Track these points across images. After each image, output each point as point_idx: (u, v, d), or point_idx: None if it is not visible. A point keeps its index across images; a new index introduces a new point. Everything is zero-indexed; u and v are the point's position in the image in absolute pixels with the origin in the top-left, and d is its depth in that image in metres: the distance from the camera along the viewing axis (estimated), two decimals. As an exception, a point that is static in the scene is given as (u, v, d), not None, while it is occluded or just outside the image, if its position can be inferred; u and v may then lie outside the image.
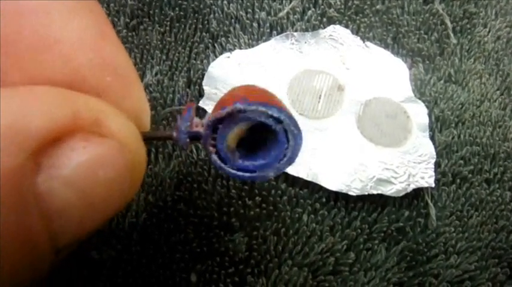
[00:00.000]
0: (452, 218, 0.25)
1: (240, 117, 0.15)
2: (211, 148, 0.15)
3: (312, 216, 0.25)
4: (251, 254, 0.23)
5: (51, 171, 0.11)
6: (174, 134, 0.16)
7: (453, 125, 0.28)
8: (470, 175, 0.27)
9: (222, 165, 0.16)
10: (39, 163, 0.11)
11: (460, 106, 0.29)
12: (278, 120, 0.15)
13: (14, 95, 0.11)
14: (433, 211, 0.25)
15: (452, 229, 0.25)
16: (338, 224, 0.25)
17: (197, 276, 0.23)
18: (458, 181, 0.26)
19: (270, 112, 0.14)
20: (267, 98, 0.15)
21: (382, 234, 0.25)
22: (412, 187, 0.25)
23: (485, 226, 0.25)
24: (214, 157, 0.16)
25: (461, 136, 0.28)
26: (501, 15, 0.33)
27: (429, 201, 0.26)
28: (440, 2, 0.33)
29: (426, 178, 0.26)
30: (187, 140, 0.16)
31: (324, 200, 0.25)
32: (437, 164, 0.27)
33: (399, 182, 0.25)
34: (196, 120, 0.16)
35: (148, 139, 0.16)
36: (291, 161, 0.16)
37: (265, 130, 0.15)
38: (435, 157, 0.27)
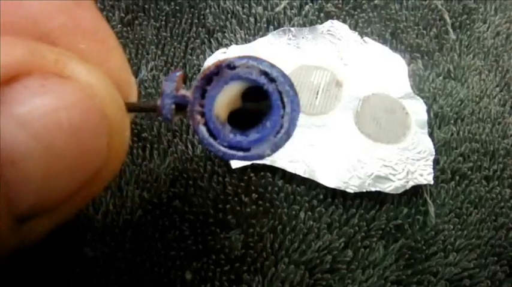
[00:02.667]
0: (451, 215, 0.25)
1: (230, 76, 0.14)
2: (198, 117, 0.14)
3: (309, 213, 0.24)
4: (247, 251, 0.23)
5: (2, 108, 0.10)
6: (158, 102, 0.14)
7: (452, 121, 0.28)
8: (469, 172, 0.26)
9: (211, 140, 0.14)
10: None
11: (459, 103, 0.29)
12: (271, 79, 0.14)
13: None
14: (431, 209, 0.25)
15: (451, 227, 0.25)
16: (335, 222, 0.24)
17: (192, 274, 0.22)
18: (457, 178, 0.26)
19: (261, 67, 0.13)
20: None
21: (381, 231, 0.24)
22: (411, 184, 0.25)
23: (484, 224, 0.25)
24: (202, 129, 0.14)
25: (461, 133, 0.28)
26: (500, 10, 0.33)
27: (428, 198, 0.25)
28: (439, -3, 0.33)
29: (425, 175, 0.25)
30: (173, 106, 0.14)
31: (321, 197, 0.25)
32: (436, 161, 0.26)
33: (398, 179, 0.25)
34: (182, 90, 0.14)
35: (131, 110, 0.15)
36: (288, 133, 0.14)
37: (259, 109, 0.14)
38: (434, 153, 0.26)
